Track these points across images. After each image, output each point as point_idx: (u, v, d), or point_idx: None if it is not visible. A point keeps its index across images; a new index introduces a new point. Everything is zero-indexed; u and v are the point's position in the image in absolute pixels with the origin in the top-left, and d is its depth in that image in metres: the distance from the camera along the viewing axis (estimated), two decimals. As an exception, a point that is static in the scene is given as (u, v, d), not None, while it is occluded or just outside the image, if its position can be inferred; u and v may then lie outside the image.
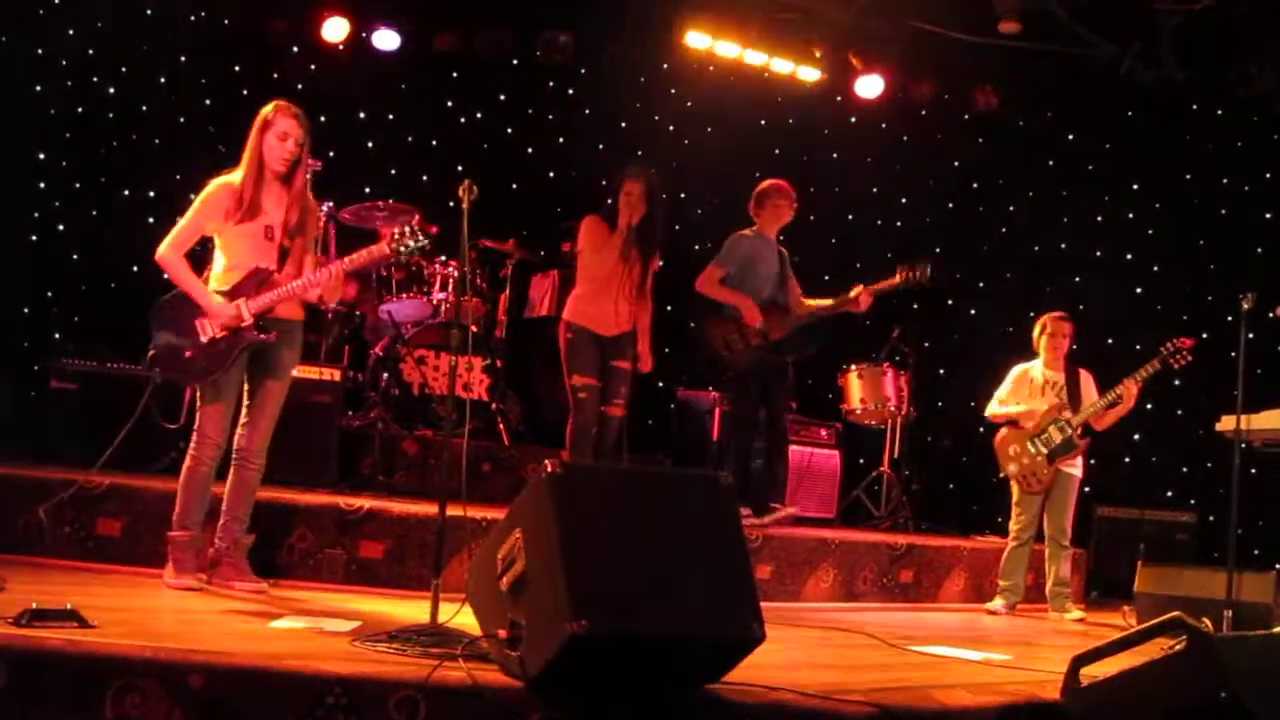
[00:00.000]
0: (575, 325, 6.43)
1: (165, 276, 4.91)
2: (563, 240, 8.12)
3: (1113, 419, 6.93)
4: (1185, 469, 9.13)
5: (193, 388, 4.88)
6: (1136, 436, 9.09)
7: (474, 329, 7.72)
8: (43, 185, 8.70)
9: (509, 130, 9.90)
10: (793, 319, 6.99)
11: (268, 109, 4.90)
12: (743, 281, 6.91)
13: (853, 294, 6.95)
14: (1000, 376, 7.17)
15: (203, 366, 4.81)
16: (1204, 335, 8.47)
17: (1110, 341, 8.68)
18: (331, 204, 8.01)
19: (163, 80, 9.04)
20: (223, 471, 4.95)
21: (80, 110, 8.81)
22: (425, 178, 9.51)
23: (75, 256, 8.76)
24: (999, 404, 7.09)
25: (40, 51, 8.59)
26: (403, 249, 4.73)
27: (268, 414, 4.97)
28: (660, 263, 6.67)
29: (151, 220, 8.30)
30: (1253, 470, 8.12)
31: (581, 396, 6.35)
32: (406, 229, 4.73)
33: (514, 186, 8.32)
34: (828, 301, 7.09)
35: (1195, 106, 9.29)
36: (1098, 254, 9.55)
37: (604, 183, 6.66)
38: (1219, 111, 9.23)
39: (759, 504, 6.82)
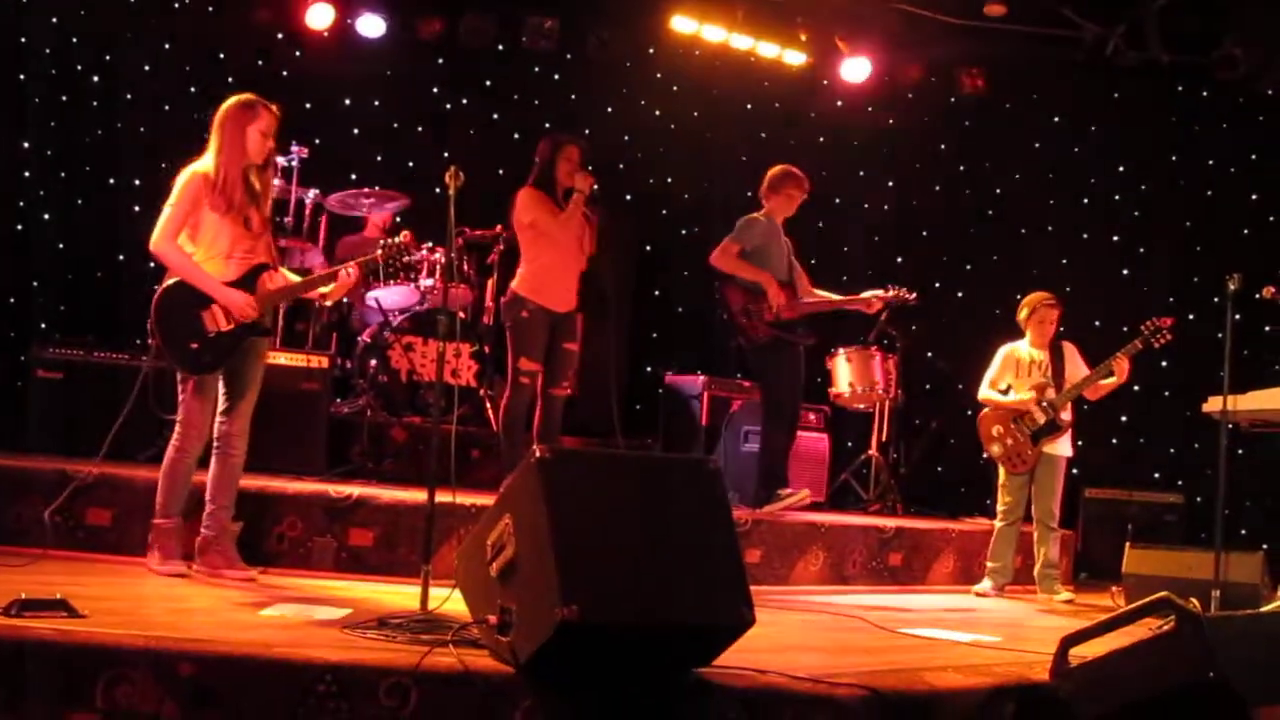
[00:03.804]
0: (532, 303, 6.27)
1: (152, 265, 4.89)
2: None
3: (1105, 390, 6.93)
4: (1172, 450, 9.16)
5: (184, 378, 4.86)
6: (1123, 418, 9.12)
7: (461, 315, 7.72)
8: (27, 174, 8.64)
9: (495, 116, 9.86)
10: (803, 305, 6.98)
11: (244, 100, 4.95)
12: (758, 262, 6.87)
13: (864, 295, 7.14)
14: (988, 358, 7.17)
15: (209, 361, 4.83)
16: (1190, 317, 8.50)
17: (1097, 324, 8.69)
18: (318, 191, 8.00)
19: (147, 68, 8.99)
20: (203, 459, 4.95)
21: (64, 99, 8.75)
22: (411, 164, 9.46)
23: (60, 246, 8.70)
24: (989, 386, 7.09)
25: (23, 40, 8.53)
26: (389, 260, 5.25)
27: (248, 399, 5.00)
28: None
29: (137, 209, 8.26)
30: (1239, 451, 8.16)
31: (523, 381, 6.25)
32: (395, 242, 5.23)
33: (500, 172, 8.27)
34: (837, 297, 7.14)
35: (1181, 88, 9.29)
36: (1084, 236, 9.58)
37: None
38: (1204, 93, 9.25)
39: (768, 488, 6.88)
